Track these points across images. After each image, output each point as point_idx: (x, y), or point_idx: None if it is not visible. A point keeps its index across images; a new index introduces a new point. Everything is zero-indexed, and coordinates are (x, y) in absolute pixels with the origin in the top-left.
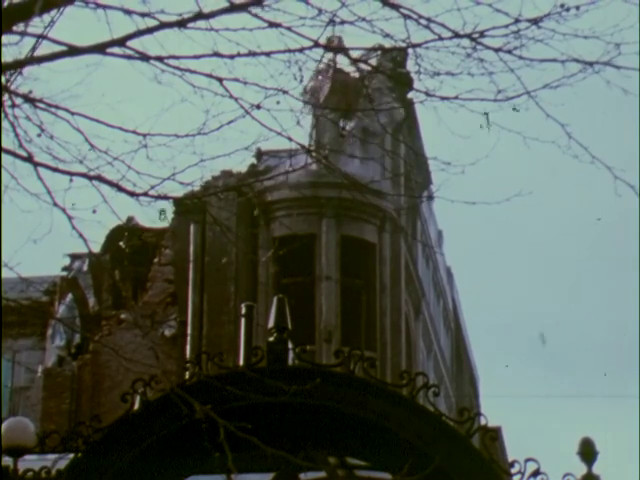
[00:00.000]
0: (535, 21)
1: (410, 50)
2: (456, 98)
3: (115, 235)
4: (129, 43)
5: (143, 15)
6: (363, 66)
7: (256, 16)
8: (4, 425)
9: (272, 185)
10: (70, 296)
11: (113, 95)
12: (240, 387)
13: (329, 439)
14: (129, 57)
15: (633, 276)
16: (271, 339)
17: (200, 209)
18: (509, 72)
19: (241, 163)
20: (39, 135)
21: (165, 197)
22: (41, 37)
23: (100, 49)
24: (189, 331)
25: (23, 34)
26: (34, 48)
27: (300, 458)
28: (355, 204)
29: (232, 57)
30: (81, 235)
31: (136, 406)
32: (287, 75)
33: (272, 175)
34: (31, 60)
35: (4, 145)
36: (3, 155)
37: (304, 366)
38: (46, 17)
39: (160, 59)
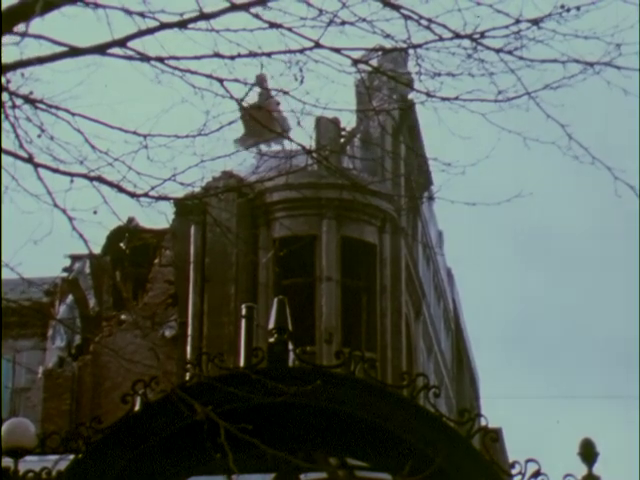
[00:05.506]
0: (536, 22)
1: (411, 51)
2: (456, 99)
3: (116, 236)
4: (130, 44)
5: (143, 15)
6: (364, 67)
7: (257, 17)
8: (4, 426)
9: (272, 186)
10: (70, 297)
11: (113, 96)
12: (241, 388)
13: (330, 440)
14: (130, 58)
15: (633, 276)
16: (272, 340)
17: (200, 210)
18: (510, 73)
19: (242, 164)
20: (39, 136)
21: (166, 198)
22: (42, 38)
23: (101, 50)
24: (189, 332)
25: (24, 35)
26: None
27: (301, 459)
28: (355, 205)
29: (233, 58)
30: (82, 236)
31: (137, 407)
32: (287, 76)
33: (272, 176)
34: (32, 61)
35: (4, 146)
36: (3, 156)
37: (305, 367)
38: (47, 17)
39: (161, 60)
